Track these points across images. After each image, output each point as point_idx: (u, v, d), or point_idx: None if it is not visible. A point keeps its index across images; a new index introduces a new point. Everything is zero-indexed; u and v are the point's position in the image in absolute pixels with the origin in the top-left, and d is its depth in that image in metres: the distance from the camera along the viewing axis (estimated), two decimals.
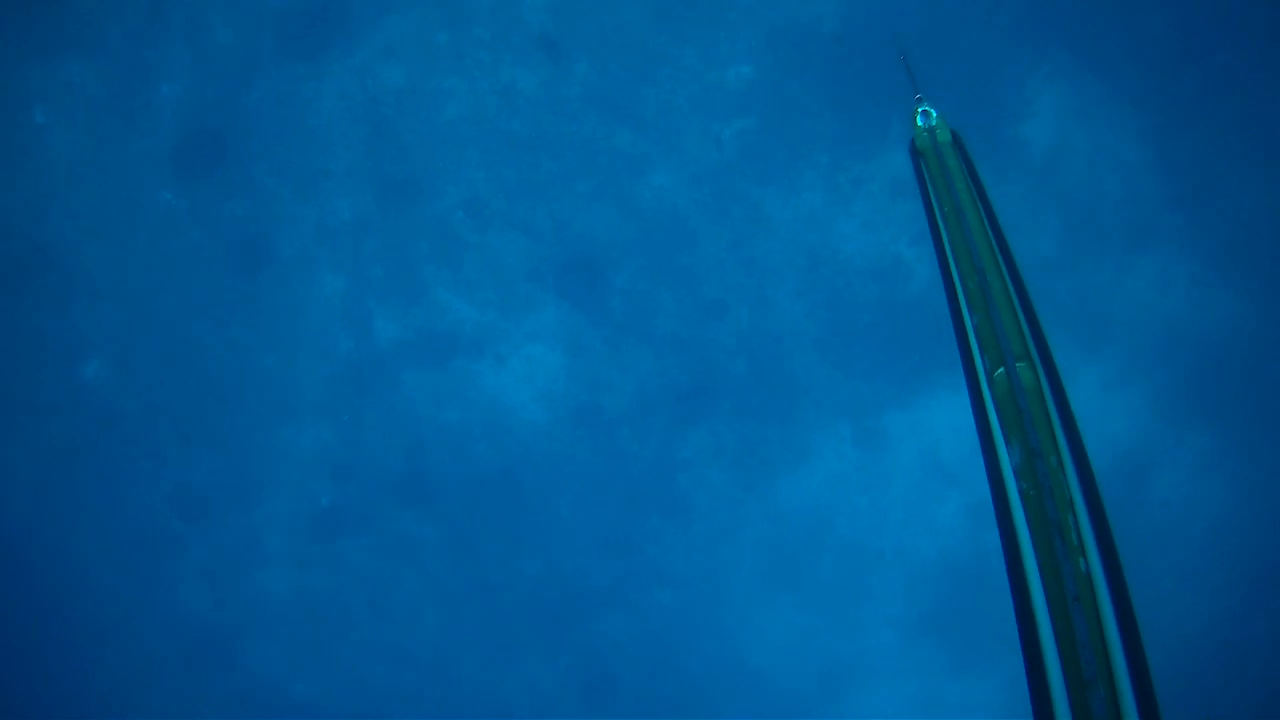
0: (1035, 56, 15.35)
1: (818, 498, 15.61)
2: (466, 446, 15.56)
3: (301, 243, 15.89)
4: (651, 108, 15.02)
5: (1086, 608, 2.03)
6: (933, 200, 2.89)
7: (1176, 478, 16.40)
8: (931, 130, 3.05)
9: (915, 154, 3.08)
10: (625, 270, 15.17)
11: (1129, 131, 15.54)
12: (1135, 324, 15.87)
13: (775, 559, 15.52)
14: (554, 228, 15.10)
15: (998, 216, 2.83)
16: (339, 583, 16.18)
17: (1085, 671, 1.96)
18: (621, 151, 15.05)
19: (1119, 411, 15.99)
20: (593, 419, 15.43)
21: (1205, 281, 15.98)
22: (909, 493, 15.61)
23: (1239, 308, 16.11)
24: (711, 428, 15.35)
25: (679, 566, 15.63)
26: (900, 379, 15.26)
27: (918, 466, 15.65)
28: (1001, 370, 2.44)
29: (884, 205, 15.11)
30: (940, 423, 15.52)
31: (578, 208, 15.08)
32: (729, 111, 15.00)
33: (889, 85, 15.08)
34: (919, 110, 3.07)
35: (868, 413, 15.43)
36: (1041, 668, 2.00)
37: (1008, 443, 2.30)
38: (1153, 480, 16.36)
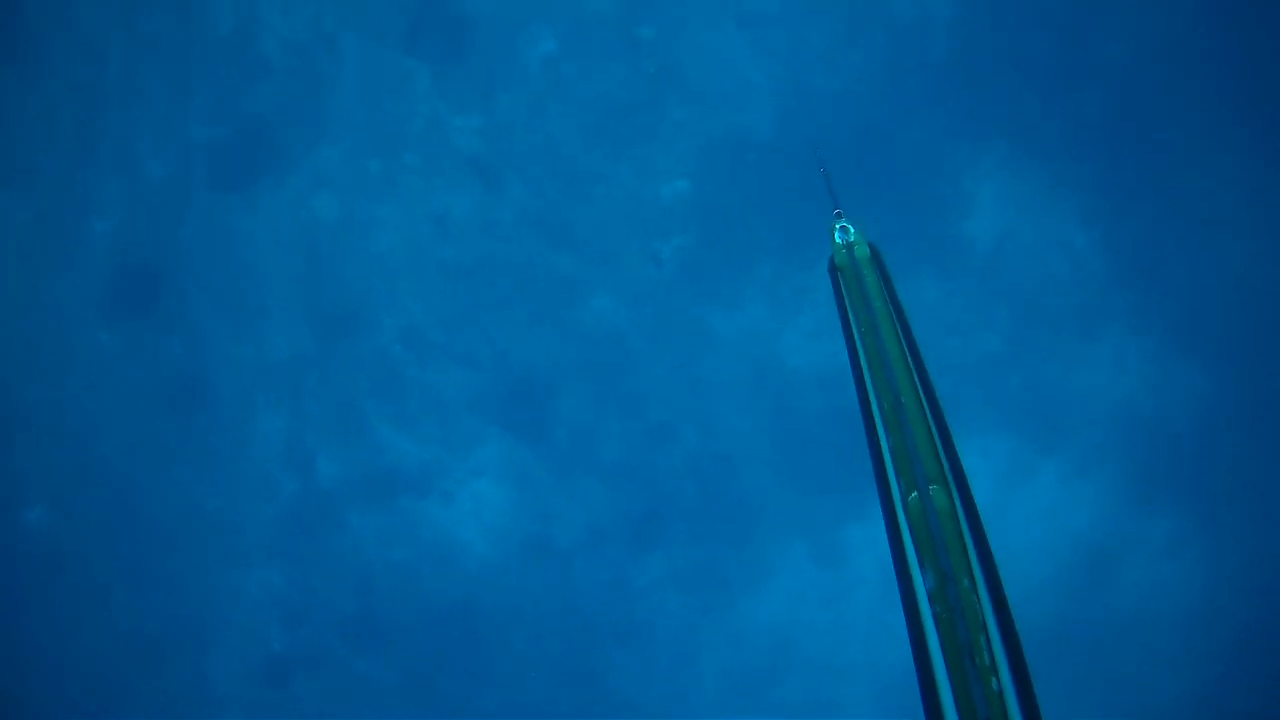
0: (975, 150, 15.08)
1: (779, 616, 15.09)
2: (417, 585, 15.00)
3: (240, 381, 15.39)
4: (588, 228, 14.65)
5: None
6: (850, 318, 2.84)
7: (1147, 562, 15.96)
8: (850, 246, 2.98)
9: (833, 270, 3.01)
10: (569, 398, 14.72)
11: (1073, 216, 15.25)
12: (1092, 412, 15.49)
13: (739, 681, 14.96)
14: (494, 357, 14.66)
15: (915, 335, 2.75)
16: None
17: None
18: (559, 274, 14.65)
19: (1081, 503, 15.56)
20: (544, 551, 14.90)
21: (1159, 360, 15.63)
22: (871, 604, 15.10)
23: (1194, 383, 15.76)
24: (666, 553, 14.85)
25: (641, 694, 15.07)
26: (855, 490, 14.78)
27: (878, 577, 15.14)
28: (915, 494, 2.36)
29: (829, 313, 14.69)
30: None
31: (517, 335, 14.65)
32: (667, 228, 14.65)
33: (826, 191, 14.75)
34: (837, 226, 3.04)
35: (824, 527, 14.96)
36: None
37: (922, 568, 2.25)
38: (1123, 567, 15.91)
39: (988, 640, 2.08)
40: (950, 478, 2.36)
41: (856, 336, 2.77)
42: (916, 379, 2.58)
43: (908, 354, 2.63)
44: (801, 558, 14.96)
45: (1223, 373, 15.44)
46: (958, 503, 2.31)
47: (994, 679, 2.00)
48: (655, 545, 14.89)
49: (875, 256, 2.96)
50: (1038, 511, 15.36)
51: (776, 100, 14.64)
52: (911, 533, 2.28)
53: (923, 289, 14.83)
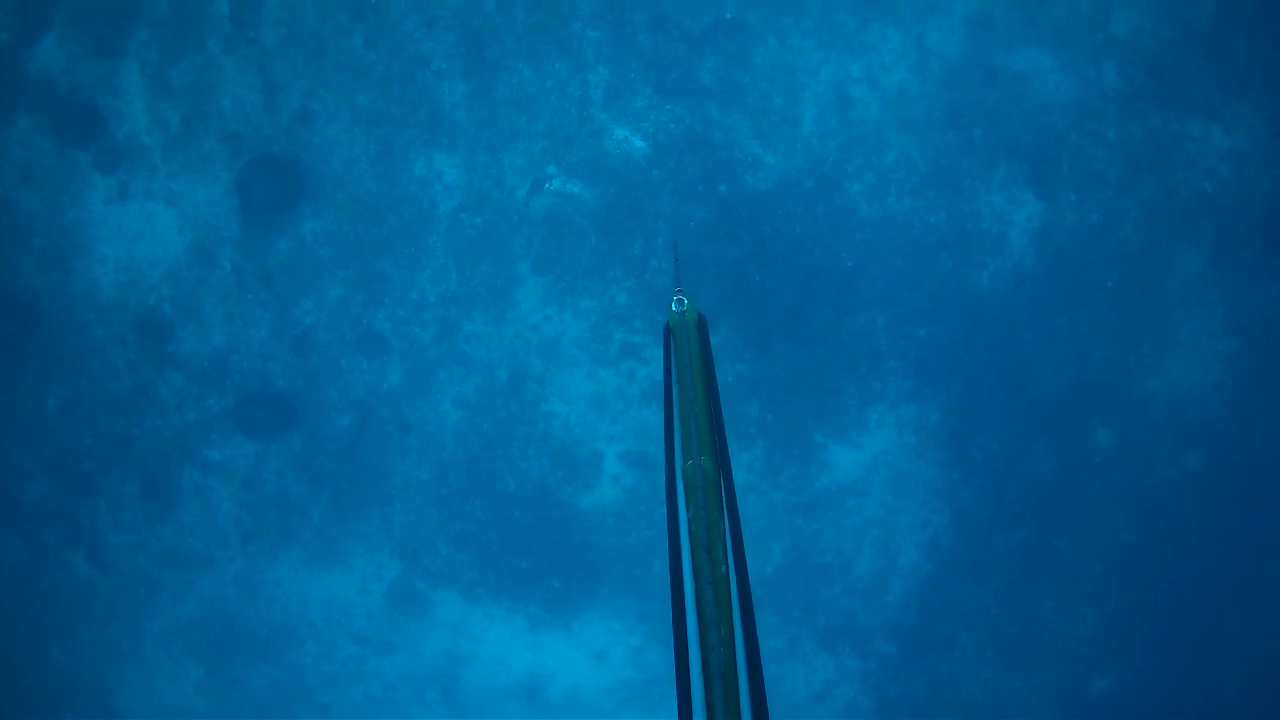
0: (885, 380, 10.60)
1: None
2: None
3: None
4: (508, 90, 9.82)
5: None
6: (672, 365, 3.20)
7: None
8: (683, 314, 3.29)
9: (667, 331, 3.32)
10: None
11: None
12: None
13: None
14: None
15: (718, 385, 3.07)
16: None
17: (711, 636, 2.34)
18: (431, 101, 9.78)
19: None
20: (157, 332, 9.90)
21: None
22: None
23: None
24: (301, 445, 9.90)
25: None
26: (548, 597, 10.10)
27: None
28: (690, 462, 2.81)
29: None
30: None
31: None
32: (578, 169, 9.86)
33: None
34: (675, 298, 3.34)
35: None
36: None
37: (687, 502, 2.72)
38: None
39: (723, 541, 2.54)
40: (721, 493, 2.75)
41: (674, 383, 3.13)
42: (708, 408, 2.95)
43: (706, 391, 3.01)
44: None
45: None
46: (721, 476, 2.75)
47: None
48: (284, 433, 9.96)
49: (701, 321, 3.29)
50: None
51: (807, 167, 9.99)
52: (685, 493, 2.67)
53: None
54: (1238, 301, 11.42)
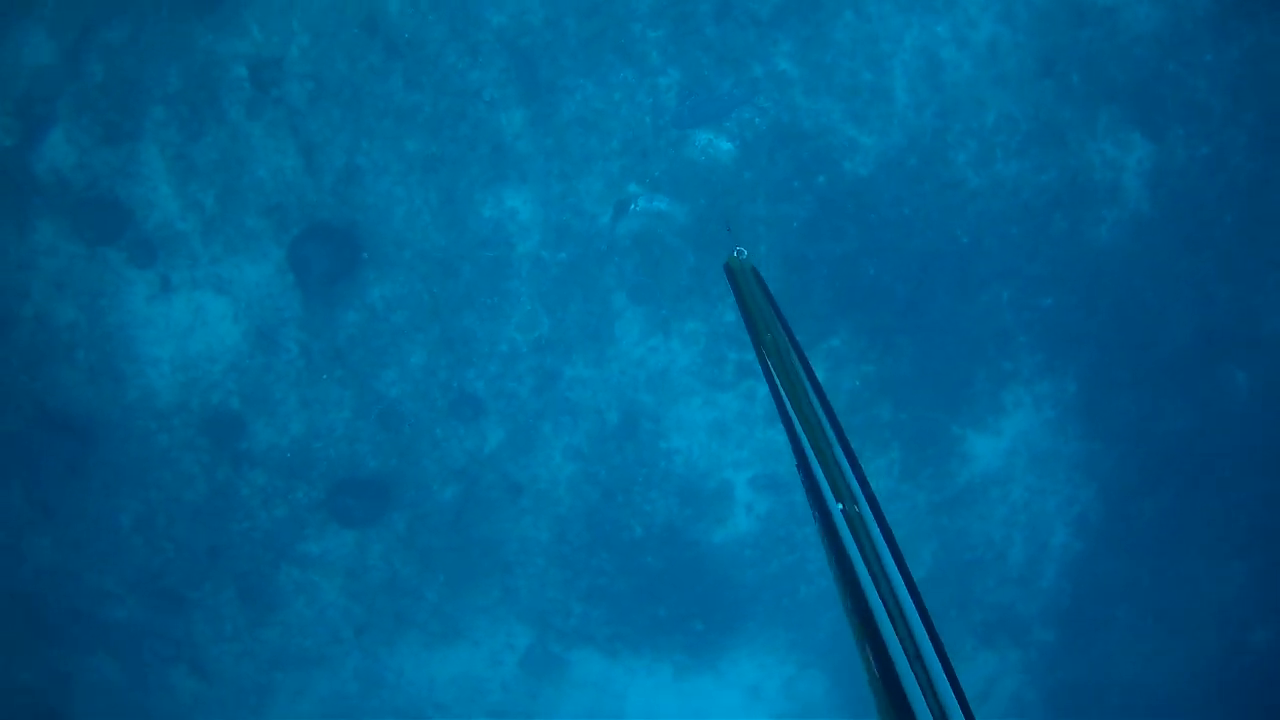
0: (1016, 358, 9.64)
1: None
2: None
3: None
4: (566, 113, 8.64)
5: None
6: (741, 293, 3.45)
7: None
8: (741, 260, 3.54)
9: (728, 271, 3.56)
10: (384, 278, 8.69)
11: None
12: None
13: None
14: None
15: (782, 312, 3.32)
16: None
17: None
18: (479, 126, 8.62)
19: None
20: (226, 429, 8.85)
21: None
22: None
23: None
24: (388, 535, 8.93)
25: None
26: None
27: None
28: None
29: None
30: None
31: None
32: (663, 177, 8.73)
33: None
34: (736, 250, 3.58)
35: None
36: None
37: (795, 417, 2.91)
38: None
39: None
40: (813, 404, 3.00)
41: (749, 305, 3.34)
42: (788, 336, 3.21)
43: (780, 322, 3.26)
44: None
45: None
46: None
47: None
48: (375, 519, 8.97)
49: (756, 271, 3.52)
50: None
51: (906, 144, 8.88)
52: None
53: None
54: None
